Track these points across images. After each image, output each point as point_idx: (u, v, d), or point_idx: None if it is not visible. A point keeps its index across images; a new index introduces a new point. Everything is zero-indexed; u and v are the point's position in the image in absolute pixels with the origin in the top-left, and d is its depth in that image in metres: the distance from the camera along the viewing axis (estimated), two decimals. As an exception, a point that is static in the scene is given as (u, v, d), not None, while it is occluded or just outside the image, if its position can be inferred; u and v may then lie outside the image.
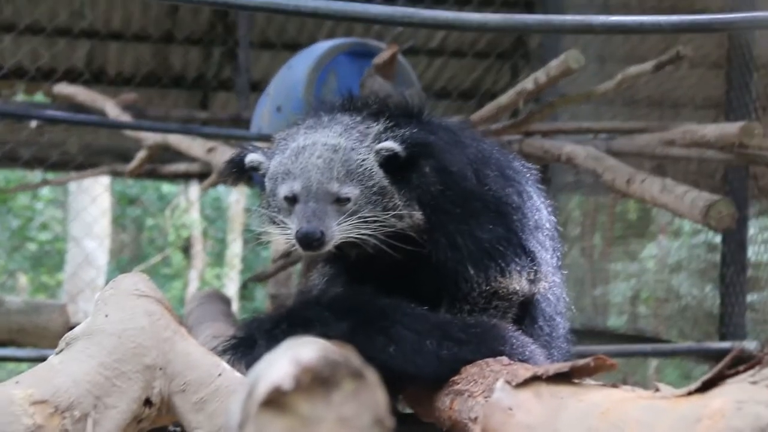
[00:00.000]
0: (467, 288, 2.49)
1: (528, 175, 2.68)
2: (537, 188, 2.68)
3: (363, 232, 2.45)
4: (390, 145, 2.45)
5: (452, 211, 2.48)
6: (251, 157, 2.62)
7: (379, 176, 2.46)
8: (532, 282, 2.55)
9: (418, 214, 2.46)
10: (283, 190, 2.49)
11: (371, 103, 2.61)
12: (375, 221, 2.44)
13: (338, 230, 2.43)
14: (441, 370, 2.34)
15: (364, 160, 2.46)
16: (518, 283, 2.52)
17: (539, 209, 2.64)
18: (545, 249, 2.61)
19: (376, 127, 2.50)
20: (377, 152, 2.46)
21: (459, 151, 2.53)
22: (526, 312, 2.60)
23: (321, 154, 2.46)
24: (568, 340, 2.75)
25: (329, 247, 2.46)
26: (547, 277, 2.60)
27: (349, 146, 2.46)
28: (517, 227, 2.52)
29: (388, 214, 2.45)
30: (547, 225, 2.66)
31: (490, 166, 2.56)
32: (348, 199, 2.45)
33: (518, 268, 2.50)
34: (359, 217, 2.44)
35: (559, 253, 2.73)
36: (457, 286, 2.50)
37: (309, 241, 2.41)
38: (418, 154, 2.45)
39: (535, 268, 2.54)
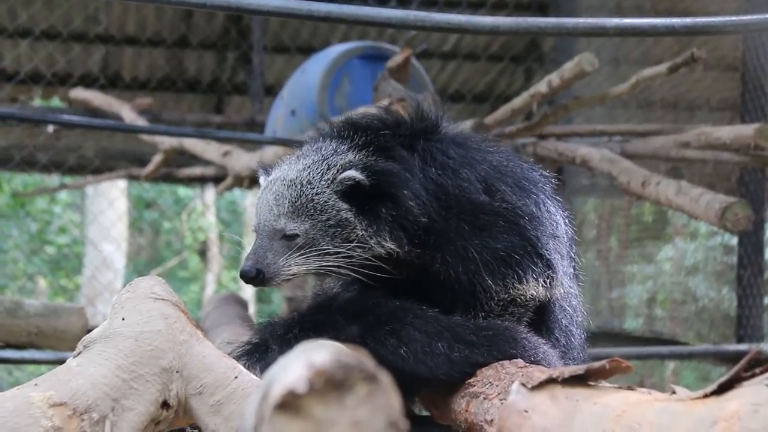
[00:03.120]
0: (486, 297, 2.49)
1: (545, 185, 2.65)
2: (554, 199, 2.66)
3: (315, 265, 2.46)
4: (350, 174, 2.44)
5: (461, 228, 2.46)
6: (260, 180, 2.69)
7: (339, 208, 2.45)
8: (548, 288, 2.55)
9: (389, 244, 2.44)
10: (252, 225, 2.56)
11: (370, 124, 2.57)
12: (336, 253, 2.44)
13: (285, 266, 2.46)
14: (453, 372, 2.34)
15: (318, 194, 2.46)
16: (535, 289, 2.51)
17: (555, 219, 2.62)
18: (561, 256, 2.59)
19: (350, 156, 2.49)
20: (340, 182, 2.45)
21: (468, 169, 2.50)
22: (542, 322, 2.59)
23: (276, 189, 2.50)
24: (584, 351, 2.74)
25: (278, 282, 2.48)
26: (564, 283, 2.59)
27: (305, 180, 2.48)
28: (532, 235, 2.50)
29: (347, 245, 2.44)
30: (564, 235, 2.64)
31: (504, 179, 2.54)
32: (296, 235, 2.47)
33: (535, 275, 2.50)
34: (310, 252, 2.45)
35: (576, 263, 2.71)
36: (475, 296, 2.49)
37: (246, 279, 2.46)
38: (382, 183, 2.43)
39: (551, 274, 2.53)
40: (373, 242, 2.44)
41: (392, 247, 2.44)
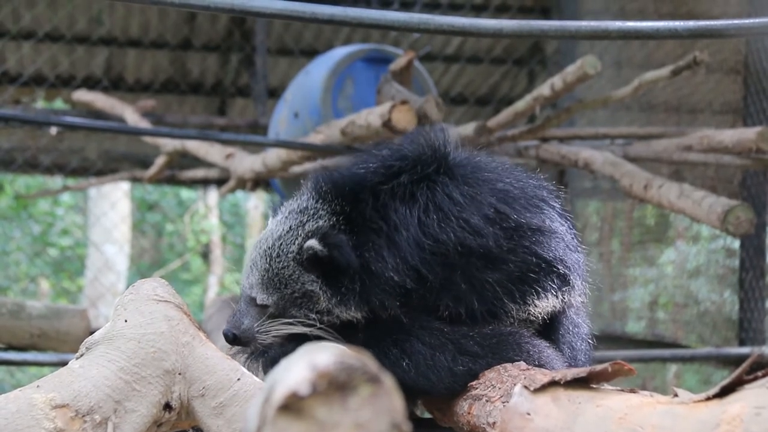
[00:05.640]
0: (505, 317, 2.48)
1: (554, 202, 2.63)
2: (564, 216, 2.64)
3: (289, 331, 2.50)
4: (310, 244, 2.46)
5: (469, 270, 2.43)
6: (268, 221, 2.72)
7: (303, 281, 2.49)
8: (566, 302, 2.54)
9: (355, 314, 2.44)
10: None
11: (363, 181, 2.51)
12: (302, 322, 2.49)
13: (258, 332, 2.53)
14: (454, 386, 2.35)
15: (283, 268, 2.50)
16: (555, 303, 2.50)
17: (565, 236, 2.60)
18: (577, 267, 2.57)
19: (320, 222, 2.49)
20: (305, 251, 2.47)
21: (476, 209, 2.45)
22: (548, 336, 2.57)
23: (254, 257, 2.57)
24: (588, 362, 2.72)
25: (255, 346, 2.55)
26: (580, 295, 2.58)
27: (275, 253, 2.52)
28: (547, 251, 2.47)
29: (314, 315, 2.48)
30: (577, 248, 2.62)
31: (517, 201, 2.51)
32: (266, 305, 2.53)
33: (554, 291, 2.48)
34: (278, 321, 2.51)
35: (586, 276, 2.69)
36: (496, 317, 2.48)
37: (227, 341, 2.55)
38: (334, 256, 2.42)
39: (569, 289, 2.52)
40: (338, 311, 2.46)
41: (359, 316, 2.45)
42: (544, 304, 2.48)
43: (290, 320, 2.50)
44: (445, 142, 2.59)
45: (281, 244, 2.52)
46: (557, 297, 2.49)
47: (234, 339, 2.55)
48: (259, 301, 2.54)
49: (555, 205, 2.61)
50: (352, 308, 2.44)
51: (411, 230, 2.43)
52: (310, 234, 2.49)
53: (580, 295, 2.60)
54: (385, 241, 2.43)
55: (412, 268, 2.41)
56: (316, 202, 2.54)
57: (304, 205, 2.56)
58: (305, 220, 2.52)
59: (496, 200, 2.49)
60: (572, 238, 2.61)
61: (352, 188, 2.51)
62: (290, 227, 2.54)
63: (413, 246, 2.42)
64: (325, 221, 2.49)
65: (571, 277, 2.52)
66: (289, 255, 2.50)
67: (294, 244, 2.50)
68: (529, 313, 2.49)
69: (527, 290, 2.46)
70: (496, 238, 2.44)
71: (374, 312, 2.43)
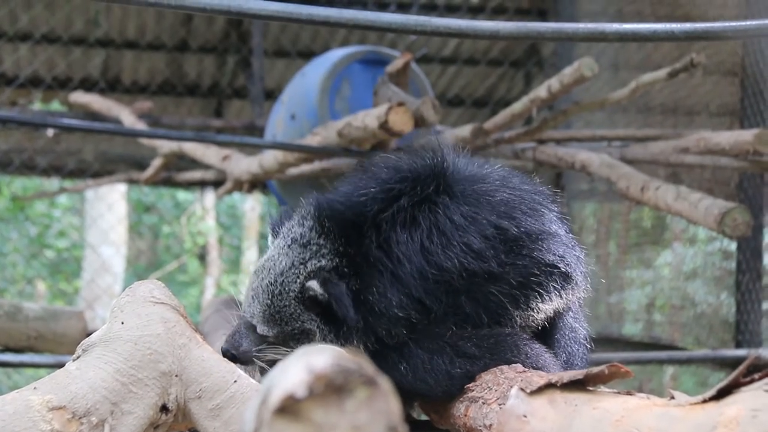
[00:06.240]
0: (510, 323, 2.48)
1: (553, 206, 2.63)
2: (561, 219, 2.64)
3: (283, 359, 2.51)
4: (310, 285, 2.45)
5: (473, 290, 2.42)
6: (269, 240, 2.71)
7: (303, 319, 2.50)
8: (569, 300, 2.54)
9: (359, 348, 2.45)
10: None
11: (363, 211, 2.48)
12: None
13: (257, 356, 2.56)
14: (452, 389, 2.36)
15: (285, 306, 2.51)
16: (558, 305, 2.51)
17: (564, 236, 2.60)
18: (578, 264, 2.58)
19: (323, 261, 2.47)
20: (306, 290, 2.47)
21: (477, 231, 2.44)
22: (545, 341, 2.57)
23: (256, 287, 2.56)
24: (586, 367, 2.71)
25: (254, 365, 2.58)
26: (583, 289, 2.59)
27: (277, 291, 2.52)
28: (548, 256, 2.47)
29: None
30: (574, 248, 2.63)
31: (519, 208, 2.51)
32: (267, 336, 2.56)
33: (557, 292, 2.48)
34: (276, 348, 2.54)
35: (586, 273, 2.69)
36: (500, 325, 2.48)
37: (225, 357, 2.56)
38: (333, 307, 2.41)
39: (572, 285, 2.52)
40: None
41: (361, 351, 2.44)
42: (547, 307, 2.48)
43: (288, 350, 2.51)
44: (443, 155, 2.56)
45: (283, 281, 2.51)
46: (561, 297, 2.50)
47: (232, 358, 2.56)
48: (259, 331, 2.55)
49: (553, 209, 2.62)
50: (354, 343, 2.44)
51: (414, 261, 2.41)
52: (312, 274, 2.47)
53: (583, 291, 2.61)
54: (389, 279, 2.41)
55: (416, 301, 2.40)
56: (319, 237, 2.51)
57: (307, 239, 2.53)
58: (307, 257, 2.50)
59: (496, 216, 2.48)
60: (570, 239, 2.61)
61: (355, 224, 2.48)
62: (293, 263, 2.52)
63: (417, 278, 2.40)
64: (328, 261, 2.47)
65: (574, 274, 2.53)
66: (291, 293, 2.50)
67: (296, 282, 2.49)
68: (532, 318, 2.49)
69: (530, 294, 2.45)
70: (497, 254, 2.43)
71: (380, 341, 2.43)
